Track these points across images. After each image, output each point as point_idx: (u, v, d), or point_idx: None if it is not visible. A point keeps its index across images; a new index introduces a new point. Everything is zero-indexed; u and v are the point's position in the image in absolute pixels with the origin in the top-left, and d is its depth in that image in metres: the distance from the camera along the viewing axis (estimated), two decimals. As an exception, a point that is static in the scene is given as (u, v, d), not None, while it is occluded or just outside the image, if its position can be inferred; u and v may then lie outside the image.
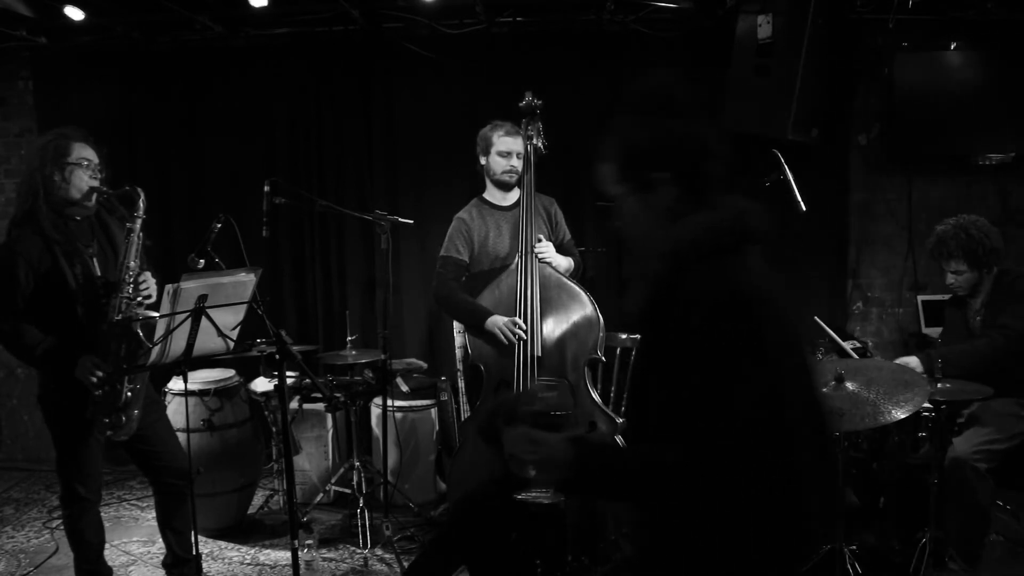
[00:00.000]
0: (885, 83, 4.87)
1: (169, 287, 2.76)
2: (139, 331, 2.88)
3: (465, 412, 3.89)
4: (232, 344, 2.95)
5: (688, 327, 1.46)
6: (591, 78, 4.99)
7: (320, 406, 4.45)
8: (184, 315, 2.77)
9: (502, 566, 2.41)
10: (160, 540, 3.41)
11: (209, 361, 3.77)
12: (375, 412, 4.54)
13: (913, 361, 3.34)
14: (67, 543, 3.19)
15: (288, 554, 3.55)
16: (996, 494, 3.42)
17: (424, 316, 5.19)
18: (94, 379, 2.86)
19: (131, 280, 2.97)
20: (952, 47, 4.80)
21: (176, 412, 3.86)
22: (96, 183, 3.00)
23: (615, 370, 4.12)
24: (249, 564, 3.85)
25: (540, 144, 3.70)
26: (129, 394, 2.97)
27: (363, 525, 3.95)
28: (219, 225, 3.22)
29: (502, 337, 3.47)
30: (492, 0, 4.62)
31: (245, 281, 2.90)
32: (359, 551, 3.90)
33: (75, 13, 4.41)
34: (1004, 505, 3.70)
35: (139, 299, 2.98)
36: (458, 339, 3.97)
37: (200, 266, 3.15)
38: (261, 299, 2.99)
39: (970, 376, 3.17)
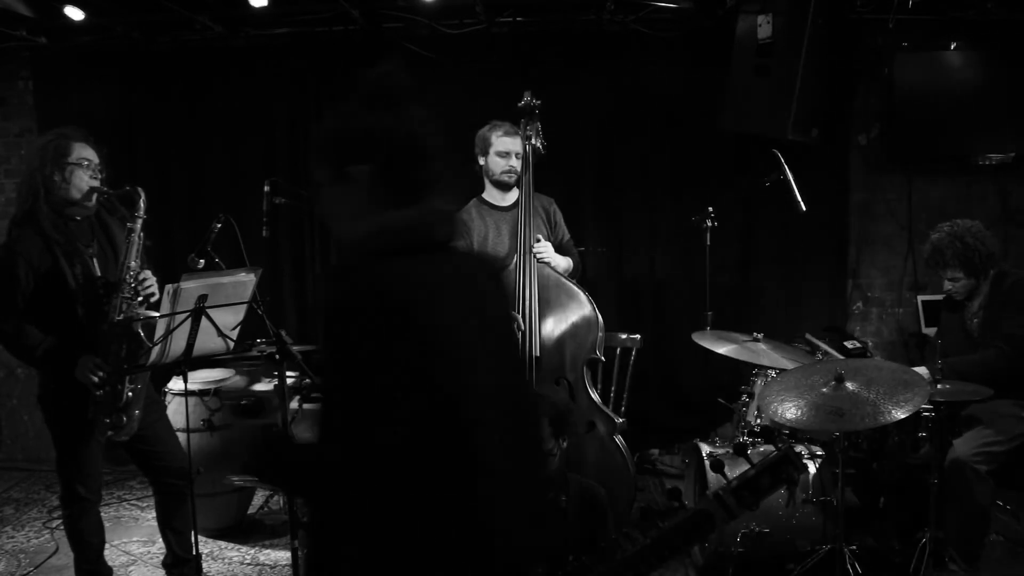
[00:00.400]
0: (885, 83, 4.87)
1: (169, 287, 2.76)
2: (140, 331, 2.88)
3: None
4: (232, 344, 2.95)
5: (340, 324, 1.45)
6: (591, 78, 4.99)
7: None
8: (184, 315, 2.77)
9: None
10: (160, 540, 3.41)
11: (209, 361, 3.77)
12: (375, 412, 4.53)
13: (922, 371, 3.34)
14: (67, 543, 3.19)
15: (288, 554, 3.55)
16: (996, 494, 3.42)
17: (424, 316, 5.19)
18: (95, 379, 2.86)
19: (132, 280, 2.97)
20: (952, 47, 4.80)
21: (176, 412, 3.86)
22: (96, 183, 3.00)
23: (615, 370, 4.13)
24: (249, 564, 3.85)
25: (539, 144, 3.70)
26: (130, 394, 2.97)
27: (363, 525, 3.94)
28: (219, 225, 3.22)
29: None
30: (492, 0, 4.62)
31: (245, 281, 2.90)
32: (359, 551, 3.90)
33: (75, 13, 4.41)
34: (1004, 505, 3.70)
35: (141, 298, 2.98)
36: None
37: (200, 266, 3.15)
38: (261, 299, 2.99)
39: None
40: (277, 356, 2.84)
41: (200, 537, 3.35)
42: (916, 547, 3.22)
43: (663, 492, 4.63)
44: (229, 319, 2.89)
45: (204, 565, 3.64)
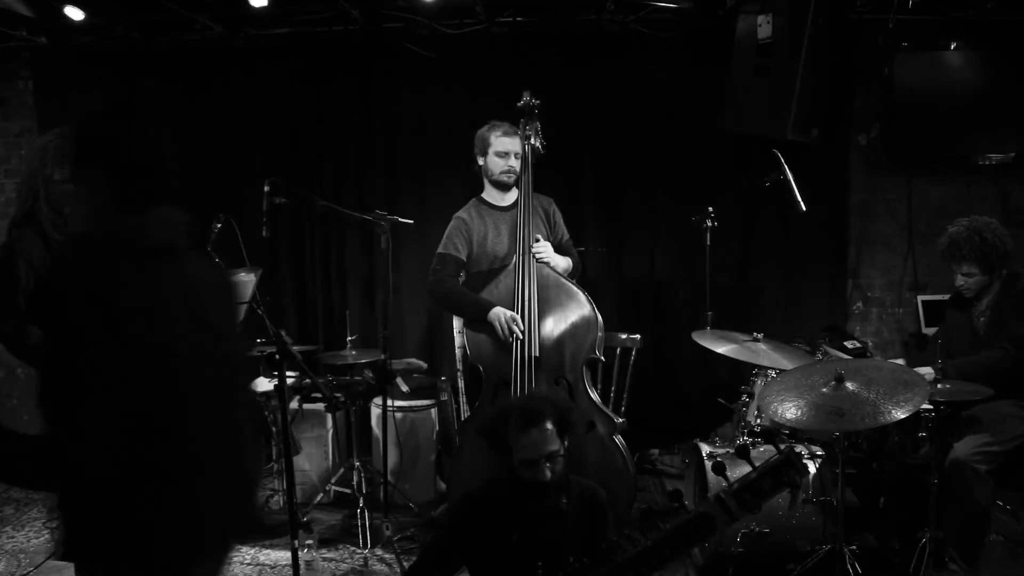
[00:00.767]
0: (885, 83, 4.87)
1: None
2: None
3: (465, 412, 3.89)
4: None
5: (49, 311, 1.62)
6: (591, 78, 5.00)
7: (320, 406, 4.45)
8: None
9: (503, 567, 2.41)
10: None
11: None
12: (375, 412, 4.54)
13: (927, 371, 3.34)
14: (67, 543, 3.19)
15: (288, 554, 3.55)
16: (996, 494, 3.42)
17: (424, 316, 5.19)
18: None
19: None
20: (952, 47, 4.80)
21: (176, 412, 3.86)
22: None
23: (615, 370, 4.13)
24: (249, 564, 3.84)
25: (538, 144, 3.70)
26: None
27: (363, 525, 3.95)
28: (219, 225, 3.22)
29: (499, 329, 3.47)
30: (492, 0, 4.62)
31: (245, 281, 2.90)
32: (359, 551, 3.90)
33: (75, 13, 4.41)
34: (1004, 505, 3.70)
35: None
36: (458, 339, 3.96)
37: (200, 266, 3.14)
38: (261, 299, 2.99)
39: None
40: (277, 356, 2.83)
41: (200, 537, 3.35)
42: (916, 547, 3.22)
43: (663, 492, 4.64)
44: (229, 319, 2.88)
45: (204, 565, 3.65)
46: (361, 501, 4.02)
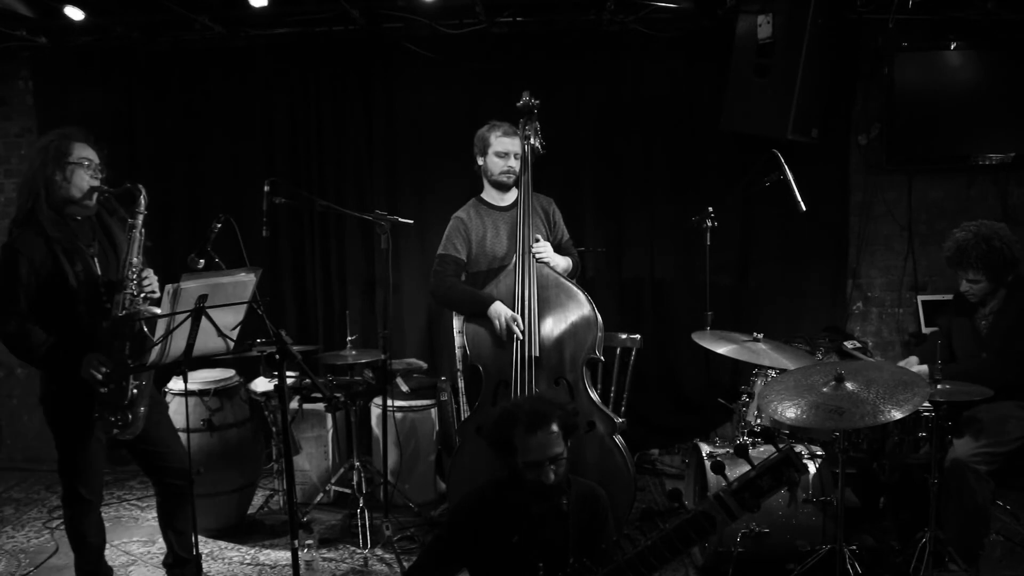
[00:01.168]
0: (885, 83, 4.87)
1: (169, 287, 2.76)
2: (144, 327, 2.88)
3: (465, 412, 3.89)
4: (232, 344, 2.95)
5: None
6: (591, 78, 5.00)
7: (320, 406, 4.45)
8: (184, 315, 2.76)
9: (504, 568, 2.41)
10: (160, 540, 3.41)
11: (209, 361, 3.77)
12: (375, 412, 4.54)
13: (922, 369, 3.33)
14: (67, 543, 3.19)
15: (288, 554, 3.55)
16: (996, 494, 3.42)
17: (424, 316, 5.19)
18: (99, 376, 2.86)
19: (134, 276, 2.97)
20: (952, 47, 4.80)
21: (176, 412, 3.86)
22: (97, 183, 3.00)
23: (615, 370, 4.13)
24: (249, 564, 3.85)
25: (538, 144, 3.70)
26: (135, 391, 2.97)
27: (363, 525, 3.95)
28: (219, 225, 3.22)
29: (499, 327, 3.47)
30: (492, 0, 4.62)
31: (245, 281, 2.89)
32: (359, 551, 3.90)
33: (75, 13, 4.41)
34: (1004, 505, 3.70)
35: (143, 295, 2.99)
36: (458, 339, 3.96)
37: (200, 266, 3.15)
38: (261, 299, 2.98)
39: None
40: (277, 356, 2.83)
41: (200, 537, 3.35)
42: (916, 547, 3.22)
43: (663, 492, 4.64)
44: (229, 319, 2.88)
45: (204, 565, 3.65)
46: (361, 501, 4.02)
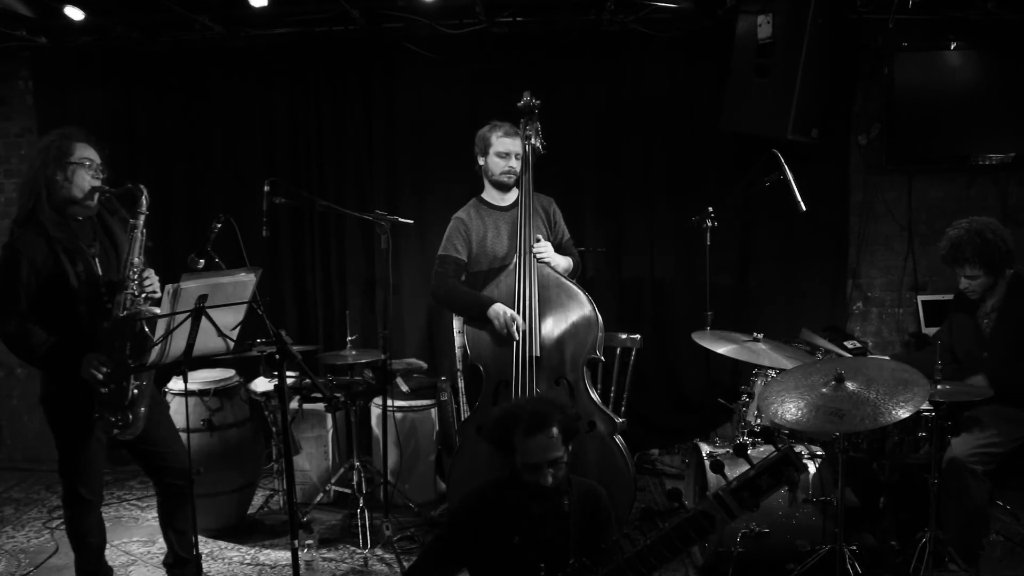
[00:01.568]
0: (885, 83, 4.87)
1: (169, 287, 2.76)
2: (144, 327, 2.88)
3: (465, 412, 3.89)
4: (232, 344, 2.95)
5: None
6: (591, 78, 5.00)
7: (320, 406, 4.45)
8: (184, 315, 2.76)
9: (504, 568, 2.41)
10: (160, 540, 3.41)
11: (209, 361, 3.77)
12: (375, 412, 4.54)
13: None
14: (67, 543, 3.19)
15: (288, 554, 3.55)
16: (996, 494, 3.42)
17: (424, 316, 5.19)
18: (100, 376, 2.86)
19: (135, 276, 2.97)
20: (952, 47, 4.80)
21: (176, 412, 3.85)
22: (98, 183, 3.00)
23: (615, 370, 4.13)
24: (249, 564, 3.85)
25: (538, 144, 3.69)
26: (135, 391, 2.97)
27: (363, 525, 3.95)
28: (219, 225, 3.22)
29: (499, 325, 3.47)
30: (492, 0, 4.62)
31: (245, 281, 2.89)
32: (359, 551, 3.90)
33: (75, 13, 4.41)
34: (1004, 505, 3.70)
35: (144, 295, 2.99)
36: (458, 339, 3.96)
37: (200, 266, 3.15)
38: (261, 299, 2.99)
39: None
40: (277, 356, 2.83)
41: (200, 537, 3.35)
42: (916, 547, 3.22)
43: (663, 492, 4.64)
44: (229, 319, 2.88)
45: (204, 565, 3.65)
46: (361, 501, 4.02)
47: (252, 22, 4.88)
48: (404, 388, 4.52)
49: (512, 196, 3.81)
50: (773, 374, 3.58)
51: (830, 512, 3.34)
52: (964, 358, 3.56)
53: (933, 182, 5.08)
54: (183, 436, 3.38)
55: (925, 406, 3.05)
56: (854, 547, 3.23)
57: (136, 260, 2.99)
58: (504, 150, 3.74)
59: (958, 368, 3.51)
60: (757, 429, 3.60)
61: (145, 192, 3.04)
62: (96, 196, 3.00)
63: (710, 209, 4.16)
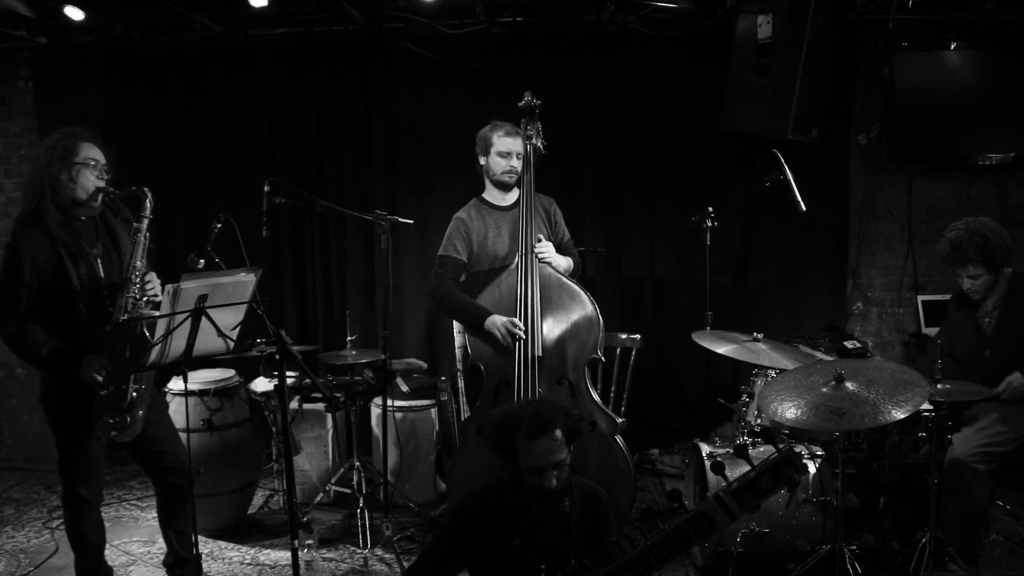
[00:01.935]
0: (885, 83, 4.87)
1: (169, 287, 2.75)
2: (145, 331, 2.88)
3: (465, 412, 3.89)
4: (232, 344, 2.95)
5: None
6: (591, 78, 5.00)
7: (320, 406, 4.45)
8: (184, 315, 2.76)
9: (505, 570, 2.41)
10: (160, 540, 3.41)
11: (209, 361, 3.76)
12: (375, 412, 4.54)
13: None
14: (67, 543, 3.19)
15: (288, 554, 3.55)
16: (996, 494, 3.42)
17: (424, 316, 5.19)
18: (99, 378, 2.86)
19: (138, 280, 2.97)
20: (952, 47, 4.80)
21: (176, 412, 3.86)
22: (102, 184, 3.00)
23: (615, 370, 4.13)
24: (249, 564, 3.85)
25: (539, 144, 3.69)
26: (134, 394, 2.96)
27: (363, 525, 3.95)
28: (219, 225, 3.22)
29: (500, 337, 3.47)
30: (492, 0, 4.62)
31: (245, 281, 2.89)
32: (359, 551, 3.90)
33: (75, 13, 4.41)
34: (1004, 505, 3.70)
35: (146, 299, 2.98)
36: (458, 339, 3.97)
37: (200, 266, 3.14)
38: (261, 299, 2.98)
39: None
40: (277, 356, 2.83)
41: (200, 537, 3.35)
42: (916, 547, 3.22)
43: (663, 492, 4.64)
44: (229, 319, 2.88)
45: (204, 565, 3.65)
46: (361, 501, 4.02)
47: (252, 22, 4.88)
48: (404, 388, 4.52)
49: (513, 196, 3.81)
50: (773, 374, 3.58)
51: (830, 512, 3.34)
52: (965, 358, 3.56)
53: (933, 182, 5.08)
54: (183, 436, 3.38)
55: (925, 406, 3.05)
56: (854, 547, 3.23)
57: (139, 264, 2.99)
58: (505, 150, 3.74)
59: (958, 368, 3.51)
60: (757, 429, 3.60)
61: (150, 196, 3.03)
62: (100, 197, 3.00)
63: (710, 209, 4.16)
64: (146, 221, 3.02)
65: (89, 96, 5.09)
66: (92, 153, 2.98)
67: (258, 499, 4.49)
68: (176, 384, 4.02)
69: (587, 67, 4.99)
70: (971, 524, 3.27)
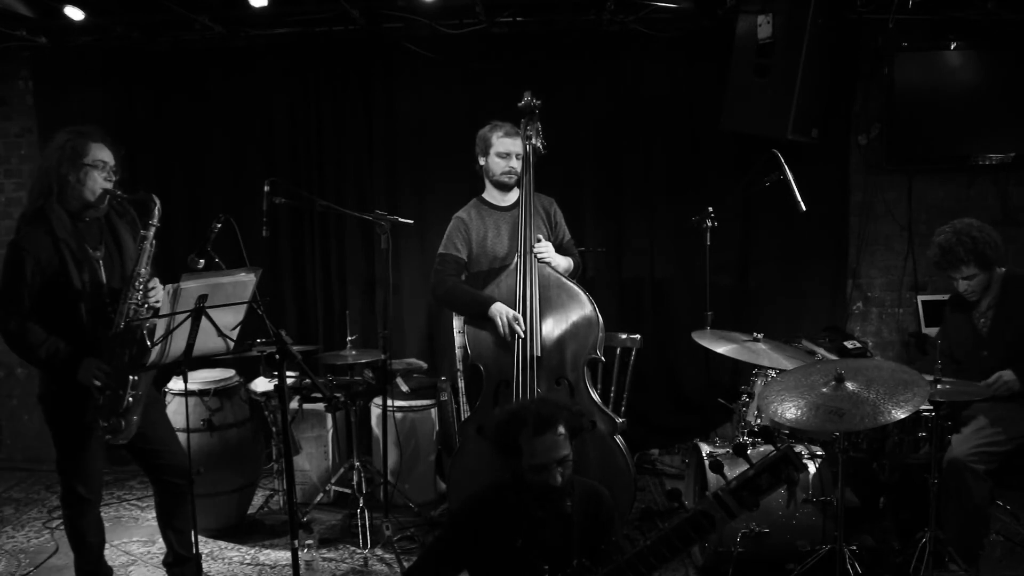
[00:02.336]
0: (885, 83, 4.87)
1: (169, 287, 2.76)
2: (145, 336, 2.88)
3: (465, 412, 3.89)
4: (232, 344, 2.95)
5: None
6: (591, 78, 5.00)
7: (320, 406, 4.45)
8: (184, 315, 2.76)
9: (506, 571, 2.40)
10: (160, 540, 3.41)
11: (209, 361, 3.77)
12: (375, 412, 4.54)
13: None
14: (67, 543, 3.19)
15: (288, 554, 3.55)
16: (996, 494, 3.42)
17: (424, 316, 5.19)
18: (97, 383, 2.86)
19: (141, 286, 2.97)
20: (952, 47, 4.80)
21: (176, 412, 3.86)
22: (110, 185, 2.99)
23: (615, 370, 4.13)
24: (249, 564, 3.85)
25: (539, 144, 3.69)
26: (131, 400, 2.96)
27: (363, 525, 3.95)
28: (219, 225, 3.22)
29: (501, 326, 3.46)
30: (492, 0, 4.62)
31: (245, 281, 2.89)
32: (359, 551, 3.90)
33: (75, 13, 4.41)
34: (1004, 505, 3.70)
35: (147, 305, 2.98)
36: (458, 339, 3.96)
37: (200, 266, 3.14)
38: (261, 299, 2.99)
39: None
40: (277, 356, 2.83)
41: (200, 537, 3.35)
42: (916, 547, 3.22)
43: (663, 492, 4.63)
44: (229, 319, 2.89)
45: (204, 565, 3.65)
46: (361, 501, 4.02)
47: (252, 22, 4.88)
48: (404, 388, 4.52)
49: (513, 196, 3.81)
50: (773, 374, 3.58)
51: (830, 512, 3.35)
52: (964, 359, 3.56)
53: (933, 182, 5.08)
54: (183, 436, 3.38)
55: (925, 406, 3.05)
56: (854, 547, 3.23)
57: (143, 271, 2.98)
58: (505, 150, 3.74)
59: (958, 369, 3.51)
60: (757, 429, 3.60)
61: (158, 204, 3.02)
62: (107, 199, 3.00)
63: (710, 209, 4.16)
64: (153, 229, 3.01)
65: (89, 96, 5.09)
66: (102, 155, 2.98)
67: (258, 499, 4.49)
68: (176, 384, 4.02)
69: (587, 67, 4.99)
70: (971, 524, 3.27)
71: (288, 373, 3.50)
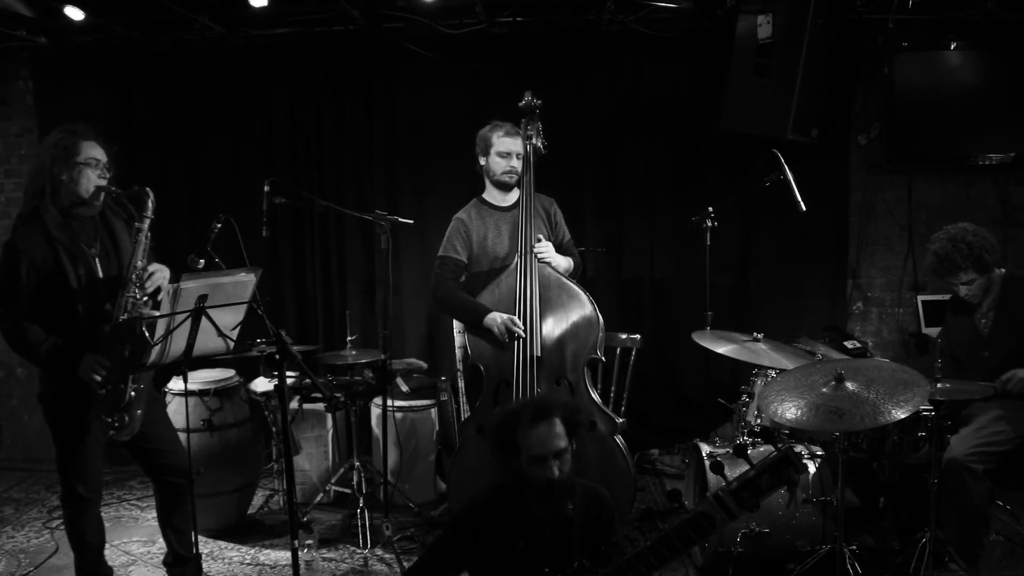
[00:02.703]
0: (885, 83, 4.87)
1: (169, 287, 2.76)
2: (144, 330, 2.88)
3: (465, 412, 3.89)
4: (232, 344, 2.95)
5: None
6: (591, 78, 5.00)
7: (320, 406, 4.45)
8: (184, 315, 2.76)
9: (508, 573, 2.40)
10: (160, 540, 3.41)
11: (209, 361, 3.77)
12: (375, 412, 4.54)
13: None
14: (67, 543, 3.19)
15: (288, 554, 3.55)
16: (996, 494, 3.42)
17: (424, 316, 5.19)
18: (98, 378, 2.86)
19: (138, 280, 2.97)
20: (952, 47, 4.80)
21: (176, 412, 3.86)
22: (103, 182, 3.00)
23: (615, 370, 4.13)
24: (249, 564, 3.85)
25: (539, 144, 3.69)
26: (132, 394, 2.97)
27: (363, 525, 3.95)
28: (219, 225, 3.22)
29: (498, 334, 3.47)
30: (492, 0, 4.62)
31: (245, 281, 2.90)
32: (359, 551, 3.90)
33: (75, 13, 4.41)
34: (1004, 505, 3.70)
35: (146, 298, 2.98)
36: (458, 339, 3.96)
37: (200, 266, 3.14)
38: (261, 299, 2.98)
39: None
40: (277, 356, 2.83)
41: (200, 537, 3.35)
42: (916, 547, 3.22)
43: (663, 492, 4.63)
44: (229, 319, 2.88)
45: (204, 565, 3.65)
46: (361, 501, 4.02)
47: (252, 22, 4.88)
48: (404, 388, 4.52)
49: (513, 196, 3.81)
50: (773, 374, 3.58)
51: (830, 512, 3.35)
52: (965, 359, 3.57)
53: (933, 182, 5.08)
54: (183, 436, 3.38)
55: (925, 406, 3.05)
56: (854, 547, 3.23)
57: (139, 264, 2.99)
58: (505, 150, 3.74)
59: (958, 368, 3.52)
60: (757, 429, 3.60)
61: (152, 196, 3.03)
62: (101, 196, 3.00)
63: (710, 209, 4.16)
64: (148, 221, 3.02)
65: (89, 96, 5.09)
66: (94, 152, 2.98)
67: (258, 499, 4.49)
68: (176, 384, 4.03)
69: (587, 67, 4.99)
70: (971, 524, 3.27)
71: (288, 373, 3.50)
